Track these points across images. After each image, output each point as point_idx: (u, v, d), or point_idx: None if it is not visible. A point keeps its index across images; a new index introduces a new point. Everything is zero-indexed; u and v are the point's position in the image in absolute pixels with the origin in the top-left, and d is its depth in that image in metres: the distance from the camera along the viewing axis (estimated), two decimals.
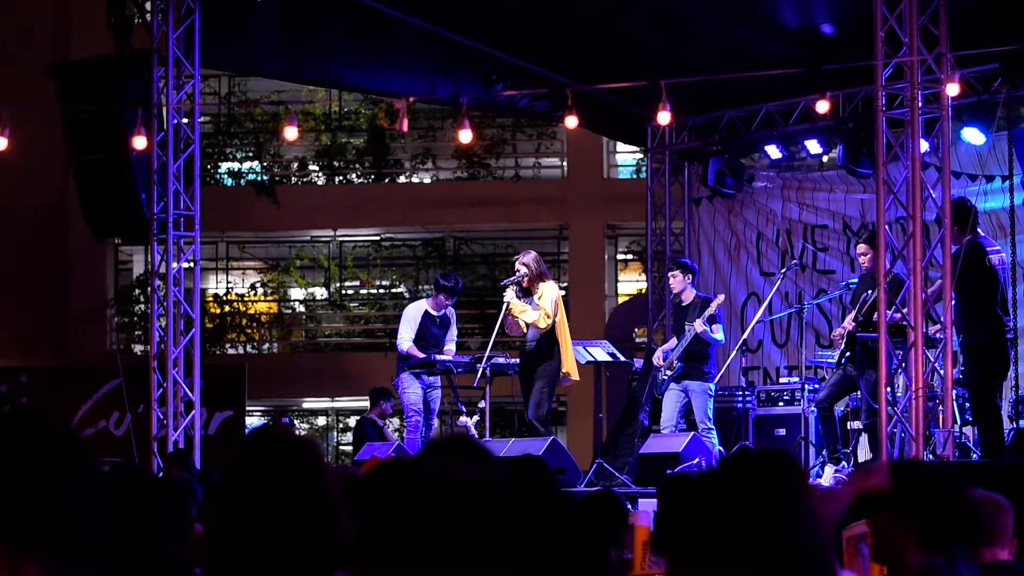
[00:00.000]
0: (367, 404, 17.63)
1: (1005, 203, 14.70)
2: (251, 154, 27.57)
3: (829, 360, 14.20)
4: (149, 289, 15.03)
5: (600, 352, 14.58)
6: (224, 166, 27.51)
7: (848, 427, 13.76)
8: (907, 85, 12.08)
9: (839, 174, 16.33)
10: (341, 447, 26.86)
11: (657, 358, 14.13)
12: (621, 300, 25.99)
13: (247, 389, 19.38)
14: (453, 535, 2.29)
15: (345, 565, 2.79)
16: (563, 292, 15.79)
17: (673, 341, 14.09)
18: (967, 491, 4.63)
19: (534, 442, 12.63)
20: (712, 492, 2.61)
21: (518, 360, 13.56)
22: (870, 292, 12.65)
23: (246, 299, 27.52)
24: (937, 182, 12.17)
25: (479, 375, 13.30)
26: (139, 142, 13.74)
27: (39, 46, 23.44)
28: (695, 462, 12.72)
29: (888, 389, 12.04)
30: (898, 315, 12.09)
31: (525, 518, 2.36)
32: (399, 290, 27.65)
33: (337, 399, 27.37)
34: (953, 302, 11.82)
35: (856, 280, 13.63)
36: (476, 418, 13.36)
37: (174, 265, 14.36)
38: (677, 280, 14.04)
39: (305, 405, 28.03)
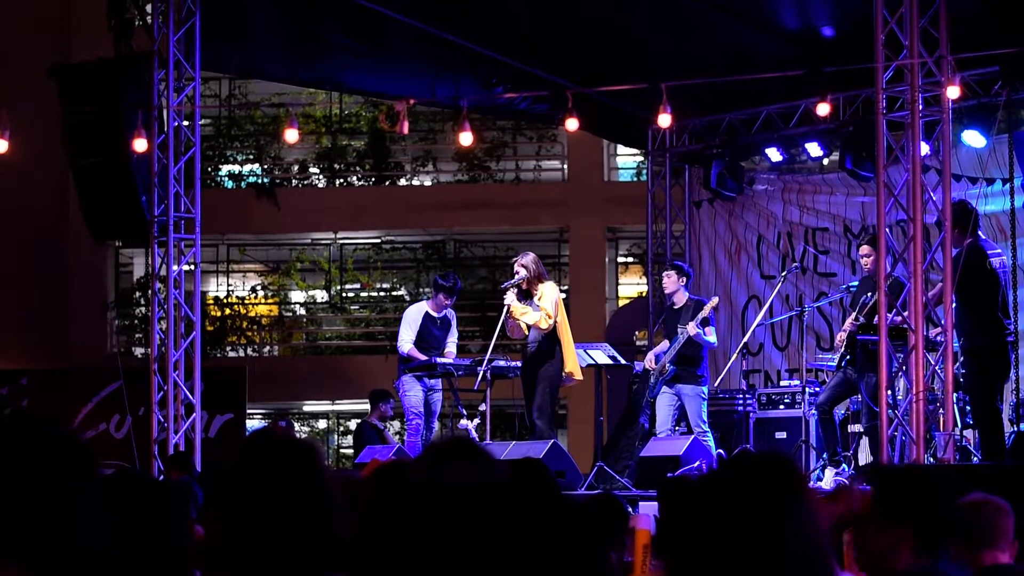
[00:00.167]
0: (368, 407, 17.63)
1: (1005, 206, 14.70)
2: (252, 157, 27.57)
3: (830, 363, 14.20)
4: (150, 292, 15.02)
5: (601, 355, 14.58)
6: (225, 169, 27.51)
7: (848, 430, 13.75)
8: (907, 88, 12.08)
9: (840, 177, 16.33)
10: (342, 450, 26.85)
11: (649, 361, 14.10)
12: (622, 303, 25.98)
13: (248, 392, 19.37)
14: (454, 538, 2.29)
15: (344, 568, 2.79)
16: (564, 295, 15.77)
17: (665, 344, 14.07)
18: (953, 492, 4.63)
19: (535, 445, 12.63)
20: (712, 495, 2.61)
21: (519, 363, 13.55)
22: (870, 295, 12.64)
23: (247, 302, 27.52)
24: (938, 185, 12.16)
25: (480, 378, 13.30)
26: (139, 144, 13.75)
27: (39, 47, 23.43)
28: (695, 465, 12.71)
29: (888, 392, 12.03)
30: (898, 318, 12.09)
31: (526, 521, 2.36)
32: (400, 293, 27.65)
33: (338, 402, 27.36)
34: (954, 305, 11.82)
35: (856, 283, 13.62)
36: (477, 421, 13.36)
37: (175, 268, 14.36)
38: (671, 281, 14.02)
39: (306, 408, 28.02)
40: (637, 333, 17.79)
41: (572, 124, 13.83)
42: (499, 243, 26.82)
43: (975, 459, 12.06)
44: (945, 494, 4.51)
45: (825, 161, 18.35)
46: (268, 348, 27.68)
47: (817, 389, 13.96)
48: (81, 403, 18.62)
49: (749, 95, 15.89)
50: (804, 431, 13.74)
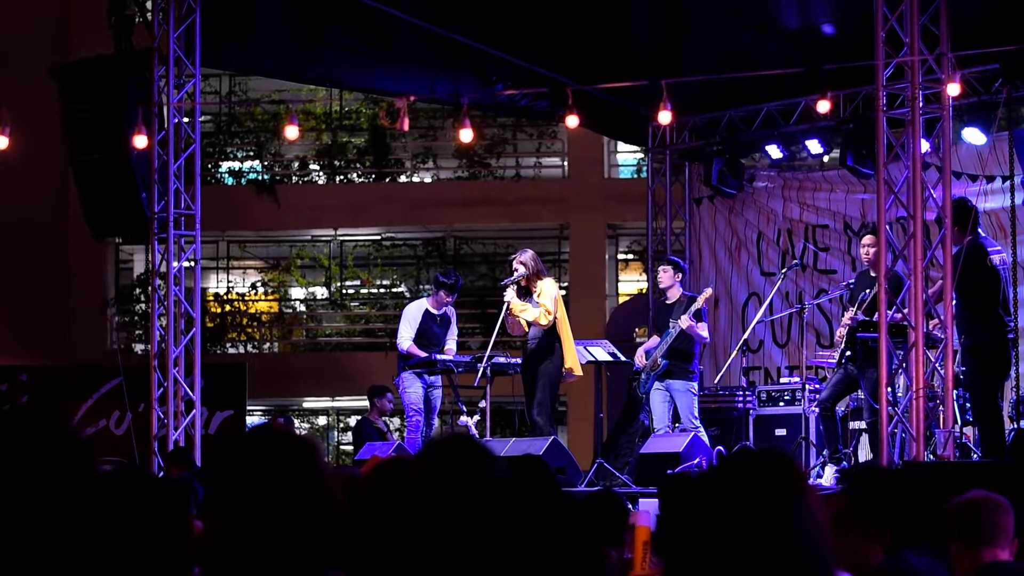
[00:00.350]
0: (367, 404, 17.62)
1: (1006, 203, 14.69)
2: (252, 153, 27.57)
3: (830, 360, 14.19)
4: (150, 288, 15.03)
5: (601, 352, 14.57)
6: (225, 165, 27.51)
7: (849, 427, 13.75)
8: (908, 85, 12.08)
9: (840, 174, 16.33)
10: (342, 447, 26.86)
11: (639, 357, 14.05)
12: (622, 300, 25.99)
13: (247, 388, 19.36)
14: (453, 535, 2.28)
15: (343, 565, 2.79)
16: (564, 292, 15.78)
17: (655, 339, 14.02)
18: (929, 494, 4.65)
19: (535, 442, 12.62)
20: (713, 492, 2.61)
21: (519, 360, 13.55)
22: (868, 291, 12.64)
23: (247, 298, 27.51)
24: (938, 182, 12.16)
25: (480, 375, 13.30)
26: (140, 141, 13.75)
27: (39, 47, 23.41)
28: (695, 462, 12.71)
29: (889, 389, 12.03)
30: (898, 315, 12.09)
31: (525, 518, 2.35)
32: (400, 289, 27.65)
33: (337, 399, 27.37)
34: (954, 302, 11.82)
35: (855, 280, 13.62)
36: (477, 418, 13.36)
37: (175, 264, 14.36)
38: (667, 275, 13.96)
39: (306, 404, 28.02)
40: (637, 330, 17.79)
41: (572, 121, 13.82)
42: (499, 240, 26.81)
43: (975, 456, 12.06)
44: (920, 496, 4.53)
45: (825, 158, 18.34)
46: (268, 344, 27.68)
47: (817, 386, 13.96)
48: (81, 399, 18.62)
49: (749, 92, 15.89)
50: (804, 428, 13.74)
